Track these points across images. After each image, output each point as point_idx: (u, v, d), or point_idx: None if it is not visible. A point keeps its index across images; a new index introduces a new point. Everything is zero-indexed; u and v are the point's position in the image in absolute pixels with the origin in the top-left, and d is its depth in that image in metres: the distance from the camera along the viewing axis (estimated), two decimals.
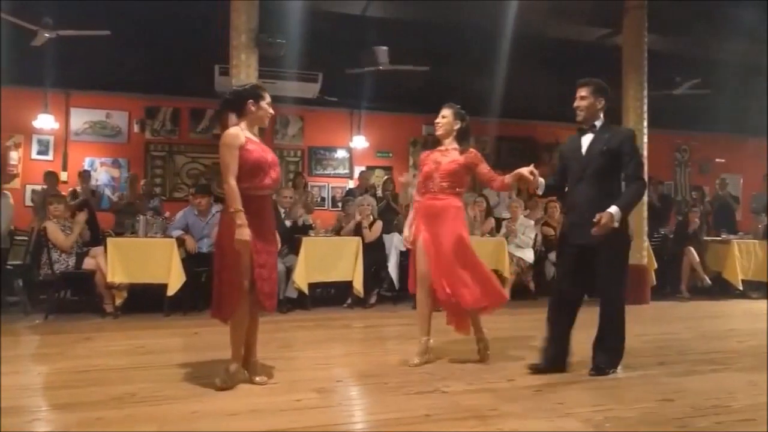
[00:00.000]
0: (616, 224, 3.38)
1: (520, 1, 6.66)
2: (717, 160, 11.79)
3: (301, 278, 6.09)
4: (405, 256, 6.83)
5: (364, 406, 3.15)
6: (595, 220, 3.34)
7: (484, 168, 3.85)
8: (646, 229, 7.27)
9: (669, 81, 8.83)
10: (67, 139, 8.99)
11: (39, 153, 8.88)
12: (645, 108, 7.19)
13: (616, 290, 3.61)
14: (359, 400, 3.24)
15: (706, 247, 8.00)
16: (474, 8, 6.81)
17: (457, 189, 3.82)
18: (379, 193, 8.38)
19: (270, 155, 3.38)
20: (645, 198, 7.24)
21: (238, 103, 3.36)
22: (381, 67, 7.79)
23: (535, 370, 3.62)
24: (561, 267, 3.84)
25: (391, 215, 7.43)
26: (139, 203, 7.66)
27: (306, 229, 6.71)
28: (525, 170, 3.62)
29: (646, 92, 7.20)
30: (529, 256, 7.20)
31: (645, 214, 7.23)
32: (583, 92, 3.61)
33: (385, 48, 7.40)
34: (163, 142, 9.44)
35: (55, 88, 8.55)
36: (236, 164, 3.21)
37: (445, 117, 3.87)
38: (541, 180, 3.71)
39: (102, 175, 9.12)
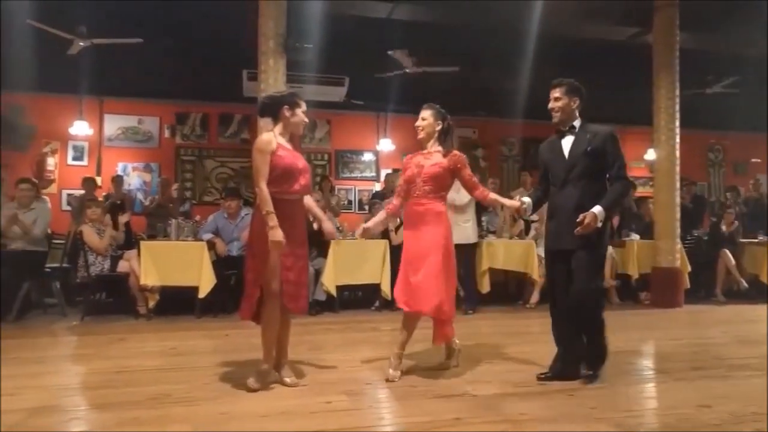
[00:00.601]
0: (600, 224, 3.32)
1: (548, 0, 6.59)
2: (753, 160, 11.50)
3: (330, 281, 6.13)
4: None
5: (394, 409, 3.14)
6: (578, 220, 3.28)
7: (467, 173, 3.70)
8: (678, 231, 7.12)
9: (702, 79, 8.64)
10: (100, 145, 9.22)
11: (74, 159, 9.12)
12: (677, 107, 7.06)
13: (588, 293, 3.43)
14: (389, 403, 3.24)
15: (742, 249, 7.81)
16: (501, 9, 6.75)
17: (441, 193, 3.67)
18: None
19: (301, 162, 3.42)
20: (677, 199, 7.11)
21: (274, 108, 3.43)
22: (408, 70, 7.79)
23: (544, 379, 3.51)
24: (549, 276, 3.75)
25: None
26: (170, 206, 7.80)
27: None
28: (514, 205, 3.65)
29: (677, 91, 7.06)
30: None
31: (677, 215, 7.08)
32: (556, 93, 3.53)
33: (406, 51, 7.40)
34: (193, 147, 9.61)
35: (90, 95, 8.78)
36: (267, 169, 3.26)
37: (426, 119, 3.70)
38: (527, 200, 3.66)
39: (134, 179, 9.32)
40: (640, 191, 9.98)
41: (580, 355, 3.56)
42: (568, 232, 3.35)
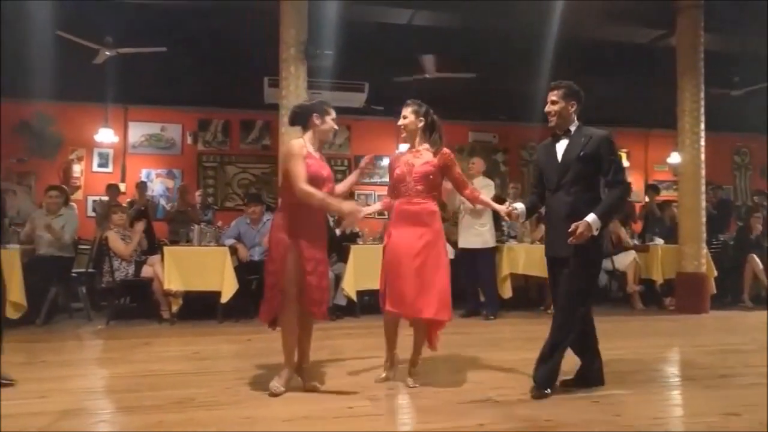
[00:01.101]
0: (595, 233, 3.17)
1: (568, 1, 6.55)
2: None
3: (350, 286, 6.14)
4: (454, 264, 6.78)
5: (416, 414, 3.14)
6: (570, 230, 3.17)
7: (457, 171, 3.61)
8: (704, 235, 7.00)
9: (727, 81, 8.50)
10: (125, 152, 9.37)
11: (99, 165, 9.28)
12: (702, 110, 6.95)
13: (571, 306, 3.31)
14: (411, 408, 3.23)
15: None
16: (521, 14, 6.74)
17: (433, 192, 3.58)
18: None
19: (326, 171, 3.45)
20: (703, 203, 6.99)
21: (304, 116, 3.47)
22: (428, 75, 7.80)
23: (565, 385, 3.44)
24: (550, 283, 3.66)
25: None
26: (190, 212, 7.90)
27: (354, 237, 6.77)
28: (503, 210, 3.58)
29: (702, 94, 6.96)
30: None
31: (703, 219, 6.97)
32: (553, 96, 3.42)
33: (431, 56, 7.40)
34: (215, 153, 9.71)
35: (115, 103, 8.93)
36: (304, 170, 3.28)
37: (407, 117, 3.60)
38: (520, 207, 3.59)
39: (157, 185, 9.45)
40: (664, 195, 9.84)
41: (594, 361, 3.48)
42: (561, 239, 3.23)
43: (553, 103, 3.43)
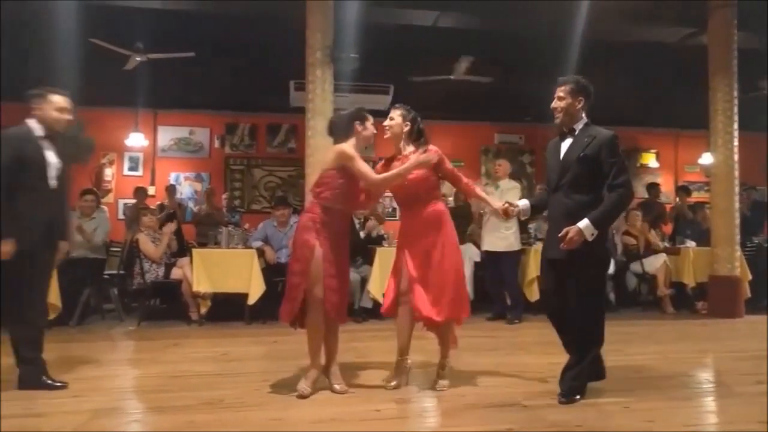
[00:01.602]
0: (589, 238, 3.06)
1: (594, 1, 6.47)
2: None
3: (376, 288, 6.14)
4: (480, 267, 6.77)
5: (444, 418, 3.12)
6: (560, 234, 3.09)
7: (448, 166, 3.57)
8: (738, 238, 6.83)
9: (761, 80, 8.29)
10: (154, 156, 9.56)
11: (130, 169, 9.49)
12: (735, 110, 6.78)
13: (583, 311, 3.23)
14: (438, 412, 3.22)
15: None
16: (547, 14, 6.67)
17: (434, 192, 3.56)
18: (451, 202, 8.34)
19: (359, 184, 3.47)
20: (736, 204, 6.83)
21: (348, 125, 3.50)
22: (453, 77, 7.78)
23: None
24: (545, 285, 3.59)
25: (464, 225, 7.37)
26: (217, 214, 8.01)
27: (379, 240, 6.78)
28: (498, 208, 3.54)
29: (736, 93, 6.79)
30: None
31: (736, 221, 6.80)
32: (560, 92, 3.30)
33: (469, 58, 7.37)
34: (242, 157, 9.85)
35: (145, 108, 9.12)
36: (366, 165, 3.37)
37: (394, 119, 3.56)
38: (522, 203, 3.54)
39: (186, 188, 9.62)
40: (696, 197, 9.65)
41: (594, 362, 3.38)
42: (556, 241, 3.15)
43: (560, 99, 3.32)
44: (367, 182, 3.40)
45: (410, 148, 3.57)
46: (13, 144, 3.32)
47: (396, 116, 3.57)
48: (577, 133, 3.30)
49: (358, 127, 3.49)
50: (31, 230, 3.33)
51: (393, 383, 3.50)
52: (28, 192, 3.31)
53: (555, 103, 3.35)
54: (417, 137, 3.59)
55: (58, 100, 3.48)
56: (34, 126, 3.44)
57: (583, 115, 3.35)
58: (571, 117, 3.32)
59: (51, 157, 3.44)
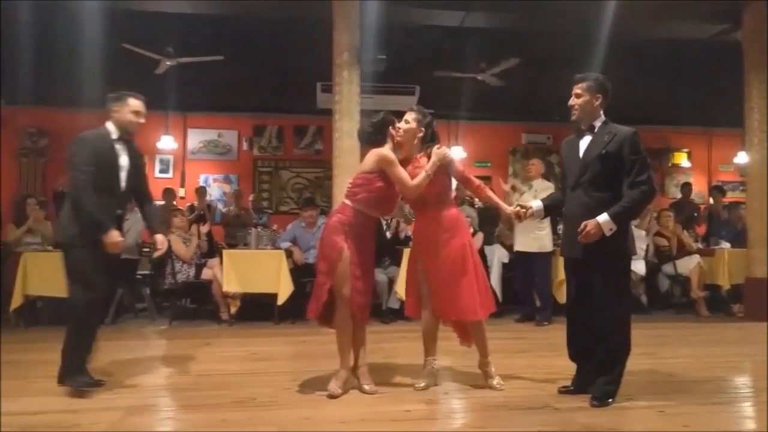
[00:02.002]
0: (607, 233, 3.04)
1: (623, 1, 6.37)
2: None
3: (403, 289, 6.13)
4: (508, 268, 6.72)
5: (473, 419, 3.11)
6: (579, 229, 3.06)
7: (459, 167, 3.61)
8: None
9: None
10: (184, 158, 9.71)
11: (161, 171, 9.65)
12: None
13: (613, 312, 3.19)
14: (467, 413, 3.21)
15: None
16: (575, 14, 6.60)
17: (447, 194, 3.57)
18: (478, 203, 8.29)
19: (395, 189, 3.49)
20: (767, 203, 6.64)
21: (383, 131, 3.53)
22: (480, 77, 7.75)
23: (565, 392, 3.35)
24: (567, 282, 3.55)
25: (491, 226, 7.33)
26: (245, 215, 8.10)
27: (407, 241, 6.77)
28: (510, 211, 3.55)
29: None
30: (640, 267, 6.80)
31: None
32: (578, 89, 3.26)
33: (516, 59, 7.33)
34: (270, 159, 9.94)
35: (175, 111, 9.28)
36: (404, 171, 3.41)
37: (409, 123, 3.53)
38: (536, 205, 3.51)
39: (215, 190, 9.75)
40: (730, 196, 9.41)
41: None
42: (575, 240, 3.14)
43: (577, 96, 3.28)
44: (404, 188, 3.41)
45: (420, 152, 3.56)
46: (90, 144, 3.43)
47: (411, 120, 3.55)
48: (596, 130, 3.27)
49: (392, 131, 3.52)
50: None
51: (422, 384, 3.51)
52: (101, 191, 3.39)
53: (572, 101, 3.32)
54: (430, 140, 3.58)
55: (135, 103, 3.57)
56: (111, 128, 3.54)
57: (601, 112, 3.31)
58: (589, 114, 3.29)
59: (123, 159, 3.54)
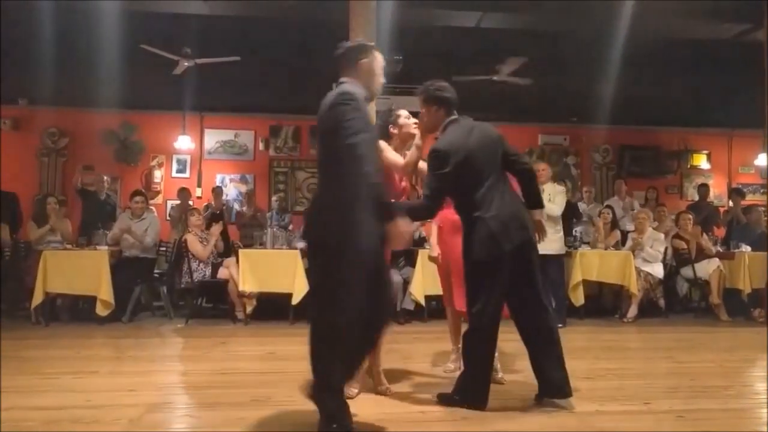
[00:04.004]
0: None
1: (643, 1, 6.30)
2: None
3: (418, 290, 6.14)
4: None
5: (490, 421, 3.09)
6: None
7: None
8: None
9: None
10: (201, 158, 9.79)
11: (178, 171, 9.74)
12: None
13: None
14: (483, 414, 3.19)
15: None
16: (594, 14, 6.54)
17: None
18: None
19: (404, 183, 3.55)
20: None
21: (384, 131, 3.57)
22: (496, 78, 7.71)
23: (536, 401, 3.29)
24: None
25: None
26: (259, 215, 8.15)
27: (421, 242, 6.77)
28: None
29: None
30: (658, 270, 6.74)
31: None
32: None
33: (523, 59, 7.29)
34: (285, 159, 9.98)
35: (192, 111, 9.36)
36: (394, 153, 3.48)
37: (421, 111, 3.47)
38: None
39: (231, 190, 9.81)
40: (750, 199, 9.26)
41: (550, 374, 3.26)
42: None
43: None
44: (396, 168, 3.42)
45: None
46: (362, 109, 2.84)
47: (421, 107, 3.50)
48: None
49: (392, 130, 3.55)
50: None
51: (451, 367, 3.85)
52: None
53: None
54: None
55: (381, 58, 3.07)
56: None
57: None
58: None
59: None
